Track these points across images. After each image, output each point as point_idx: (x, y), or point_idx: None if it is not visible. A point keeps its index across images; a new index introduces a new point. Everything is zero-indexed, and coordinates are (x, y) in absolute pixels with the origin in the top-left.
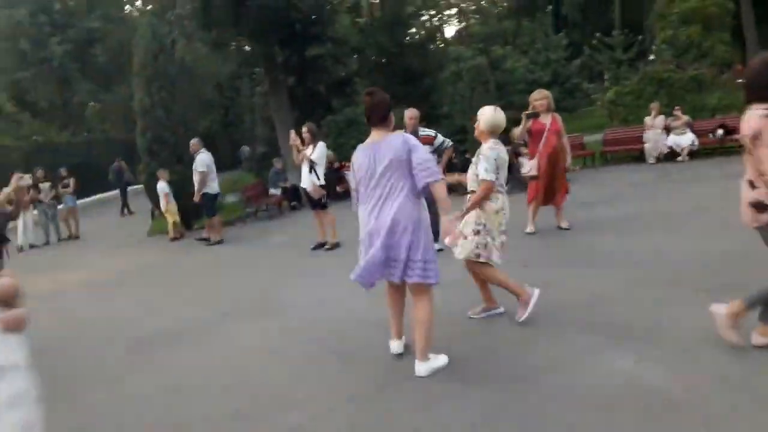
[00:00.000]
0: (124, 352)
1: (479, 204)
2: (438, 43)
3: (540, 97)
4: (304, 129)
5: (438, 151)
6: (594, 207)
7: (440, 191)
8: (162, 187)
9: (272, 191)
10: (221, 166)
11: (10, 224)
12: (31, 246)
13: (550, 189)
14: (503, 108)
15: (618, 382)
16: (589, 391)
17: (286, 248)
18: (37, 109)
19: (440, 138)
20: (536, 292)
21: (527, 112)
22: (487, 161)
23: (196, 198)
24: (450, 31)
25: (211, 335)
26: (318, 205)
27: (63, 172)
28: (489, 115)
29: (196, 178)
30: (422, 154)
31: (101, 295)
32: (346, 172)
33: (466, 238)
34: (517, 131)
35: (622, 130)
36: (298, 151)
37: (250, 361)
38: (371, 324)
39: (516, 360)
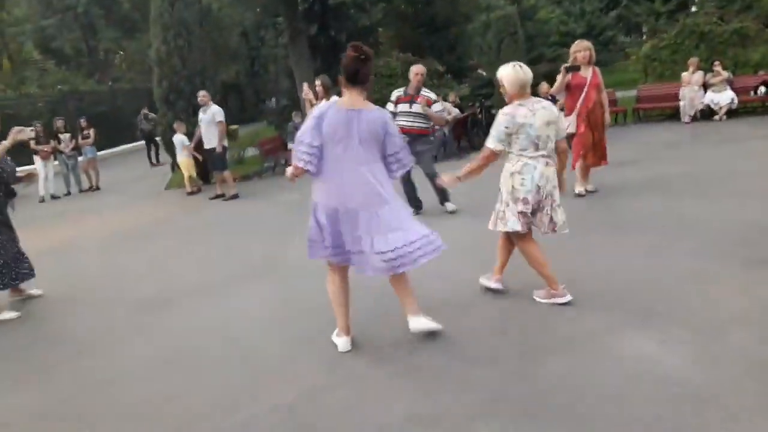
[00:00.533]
0: (123, 315)
1: (476, 172)
2: None
3: (581, 48)
4: (317, 82)
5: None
6: (623, 168)
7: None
8: (180, 139)
9: (291, 146)
10: (246, 118)
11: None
12: (53, 197)
13: (597, 147)
14: (533, 61)
15: (636, 368)
16: (603, 378)
17: (298, 207)
18: (62, 57)
19: (439, 105)
20: (567, 298)
21: (567, 65)
22: (495, 127)
23: (219, 149)
24: None
25: (212, 300)
26: None
27: (83, 122)
28: (511, 73)
29: (208, 130)
30: (398, 141)
31: (110, 251)
32: None
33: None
34: (545, 86)
35: (658, 86)
36: (311, 105)
37: (248, 331)
38: (377, 293)
39: (526, 338)
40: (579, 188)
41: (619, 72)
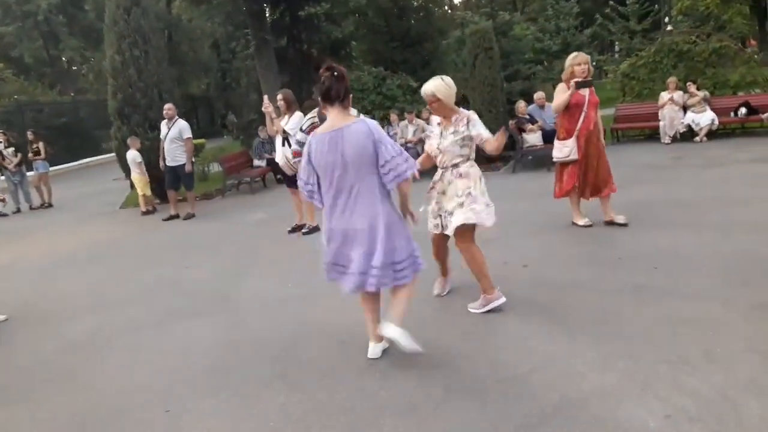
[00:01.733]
0: (47, 355)
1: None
2: (443, 8)
3: (581, 61)
4: (279, 96)
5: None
6: None
7: (405, 190)
8: (133, 156)
9: (257, 162)
10: (215, 131)
11: None
12: (1, 214)
13: (596, 175)
14: (509, 78)
15: None
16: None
17: (262, 228)
18: (22, 66)
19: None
20: (502, 300)
21: (578, 80)
22: (480, 122)
23: (189, 167)
24: None
25: (149, 340)
26: (293, 182)
27: (30, 135)
28: (442, 85)
29: (172, 146)
30: (390, 148)
31: (49, 275)
32: None
33: (451, 213)
34: (522, 105)
35: (636, 105)
36: (271, 120)
37: (183, 385)
38: (332, 337)
39: (506, 362)
40: (583, 220)
41: (597, 90)
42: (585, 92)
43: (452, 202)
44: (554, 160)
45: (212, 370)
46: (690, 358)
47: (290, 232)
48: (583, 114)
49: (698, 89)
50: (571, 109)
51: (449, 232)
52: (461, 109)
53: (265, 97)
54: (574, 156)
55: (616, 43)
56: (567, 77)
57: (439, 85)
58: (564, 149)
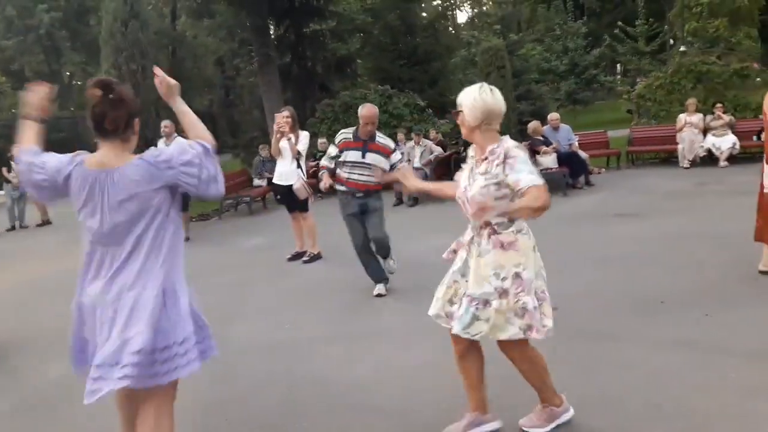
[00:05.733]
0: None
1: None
2: (448, 25)
3: None
4: (285, 114)
5: (392, 168)
6: (626, 221)
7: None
8: None
9: (257, 182)
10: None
11: None
12: None
13: None
14: (520, 98)
15: None
16: None
17: (260, 254)
18: (23, 79)
19: (398, 155)
20: (570, 412)
21: None
22: (525, 162)
23: None
24: (462, 17)
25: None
26: (297, 207)
27: None
28: (474, 93)
29: None
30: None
31: (22, 307)
32: None
33: (477, 305)
34: (537, 125)
35: (652, 128)
36: (282, 137)
37: None
38: (334, 399)
39: None
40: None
41: (603, 111)
42: None
43: (481, 287)
44: (766, 190)
45: None
46: None
47: (290, 259)
48: None
49: (724, 113)
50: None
51: (458, 330)
52: (504, 138)
53: (280, 115)
54: None
55: (618, 64)
56: None
57: (469, 93)
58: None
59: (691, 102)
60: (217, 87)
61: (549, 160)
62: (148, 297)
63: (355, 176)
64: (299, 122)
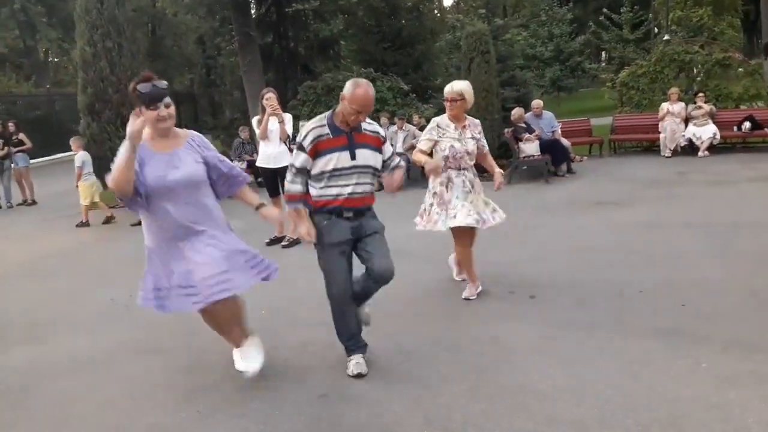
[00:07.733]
0: None
1: None
2: (433, 8)
3: None
4: (269, 95)
5: (385, 167)
6: (606, 210)
7: None
8: (83, 158)
9: (236, 163)
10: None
11: None
12: None
13: None
14: (504, 84)
15: None
16: None
17: (238, 238)
18: None
19: (389, 145)
20: (480, 288)
21: None
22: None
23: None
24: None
25: (82, 388)
26: (275, 190)
27: (11, 126)
28: (470, 87)
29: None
30: None
31: None
32: None
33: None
34: (520, 112)
35: (635, 116)
36: (272, 115)
37: None
38: (311, 391)
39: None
40: None
41: (587, 98)
42: None
43: (482, 200)
44: None
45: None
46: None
47: (268, 244)
48: None
49: (705, 102)
50: None
51: (494, 223)
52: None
53: (271, 95)
54: None
55: (603, 52)
56: None
57: (468, 86)
58: None
59: (674, 91)
60: (198, 66)
61: (531, 148)
62: None
63: (348, 190)
64: (281, 105)
